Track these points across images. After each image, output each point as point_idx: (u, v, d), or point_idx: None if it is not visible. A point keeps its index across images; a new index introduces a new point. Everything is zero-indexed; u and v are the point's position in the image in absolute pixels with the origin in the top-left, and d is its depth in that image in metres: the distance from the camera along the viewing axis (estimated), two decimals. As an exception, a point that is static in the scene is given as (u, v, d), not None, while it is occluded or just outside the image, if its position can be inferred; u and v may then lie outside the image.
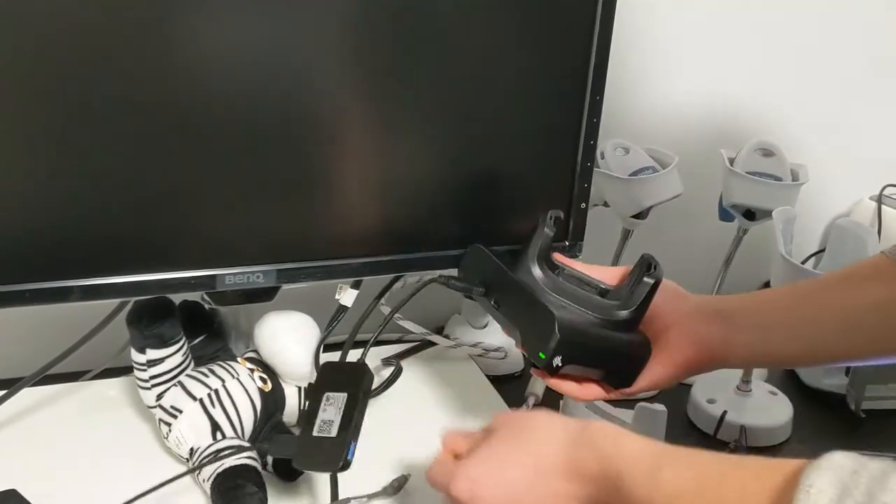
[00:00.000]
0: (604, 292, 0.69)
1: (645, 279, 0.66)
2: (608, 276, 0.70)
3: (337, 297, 0.76)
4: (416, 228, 0.75)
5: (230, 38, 0.65)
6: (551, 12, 0.72)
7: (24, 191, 0.63)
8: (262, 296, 0.73)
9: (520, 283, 0.68)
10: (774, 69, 1.13)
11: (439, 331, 0.98)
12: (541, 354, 0.63)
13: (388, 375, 0.82)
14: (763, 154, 0.97)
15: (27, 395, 0.79)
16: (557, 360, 0.63)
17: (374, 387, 0.75)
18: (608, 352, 0.66)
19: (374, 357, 0.87)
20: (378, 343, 0.78)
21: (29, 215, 0.64)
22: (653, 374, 0.67)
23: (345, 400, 0.66)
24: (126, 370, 0.82)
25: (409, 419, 0.81)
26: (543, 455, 0.54)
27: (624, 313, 0.67)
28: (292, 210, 0.71)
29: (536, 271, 0.68)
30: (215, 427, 0.73)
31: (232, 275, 0.70)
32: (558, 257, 0.71)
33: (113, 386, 0.85)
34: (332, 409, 0.66)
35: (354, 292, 0.76)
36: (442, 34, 0.70)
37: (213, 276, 0.69)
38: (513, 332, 0.68)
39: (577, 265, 0.70)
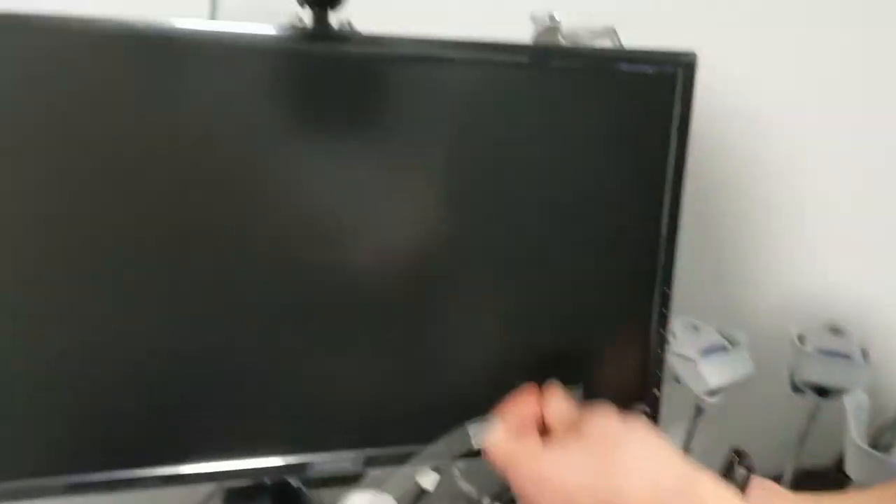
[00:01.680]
0: None
1: (739, 473, 0.65)
2: None
3: (418, 479, 0.79)
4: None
5: (330, 214, 0.70)
6: (620, 219, 0.77)
7: (120, 378, 0.68)
8: (349, 480, 0.76)
9: None
10: (844, 249, 1.15)
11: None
12: None
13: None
14: (832, 332, 0.98)
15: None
16: None
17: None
18: None
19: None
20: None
21: (130, 405, 0.69)
22: None
23: None
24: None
25: None
26: (629, 491, 0.48)
27: None
28: (379, 396, 0.74)
29: None
30: None
31: (321, 462, 0.73)
32: None
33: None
34: None
35: (436, 476, 0.79)
36: (521, 227, 0.75)
37: (304, 463, 0.72)
38: None
39: None
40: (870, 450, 0.84)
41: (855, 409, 0.86)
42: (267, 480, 0.78)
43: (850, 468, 0.88)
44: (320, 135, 0.69)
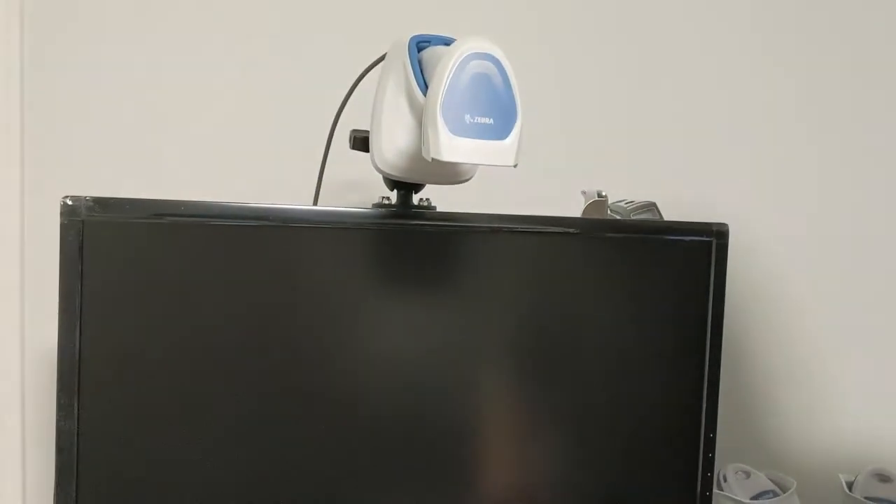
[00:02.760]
0: None
1: None
2: None
3: None
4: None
5: (410, 367, 0.82)
6: (665, 373, 0.87)
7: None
8: None
9: None
10: (890, 393, 1.21)
11: None
12: None
13: None
14: (880, 479, 1.03)
15: None
16: None
17: None
18: None
19: None
20: None
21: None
22: None
23: None
24: None
25: None
26: None
27: None
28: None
29: None
30: None
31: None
32: None
33: None
34: None
35: None
36: (579, 377, 0.85)
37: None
38: None
39: None
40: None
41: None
42: None
43: None
44: (404, 296, 0.82)
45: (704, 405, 0.87)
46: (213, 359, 0.78)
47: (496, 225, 0.83)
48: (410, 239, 0.82)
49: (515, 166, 0.64)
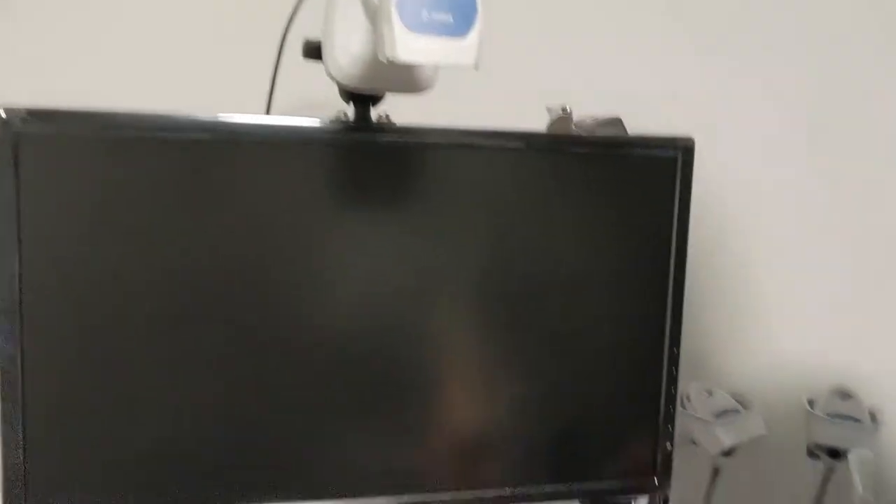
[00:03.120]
0: None
1: None
2: None
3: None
4: (517, 464, 0.85)
5: (366, 297, 0.79)
6: (628, 280, 0.85)
7: (179, 427, 0.77)
8: None
9: None
10: (856, 312, 1.22)
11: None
12: None
13: None
14: (841, 397, 1.04)
15: None
16: None
17: None
18: None
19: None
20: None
21: (181, 449, 0.77)
22: None
23: None
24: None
25: None
26: None
27: None
28: (412, 446, 0.82)
29: None
30: None
31: (359, 504, 0.81)
32: None
33: None
34: None
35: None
36: (542, 299, 0.83)
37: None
38: None
39: None
40: (873, 502, 0.89)
41: (859, 465, 0.91)
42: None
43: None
44: (360, 216, 0.79)
45: (669, 320, 0.86)
46: (162, 286, 0.75)
47: (458, 140, 0.81)
48: (368, 155, 0.79)
49: (476, 68, 0.61)
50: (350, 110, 0.81)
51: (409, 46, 0.58)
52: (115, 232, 0.73)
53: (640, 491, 0.88)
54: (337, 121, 0.80)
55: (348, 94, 0.79)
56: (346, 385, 0.80)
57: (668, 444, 0.87)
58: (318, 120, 0.78)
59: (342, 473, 0.81)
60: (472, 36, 0.60)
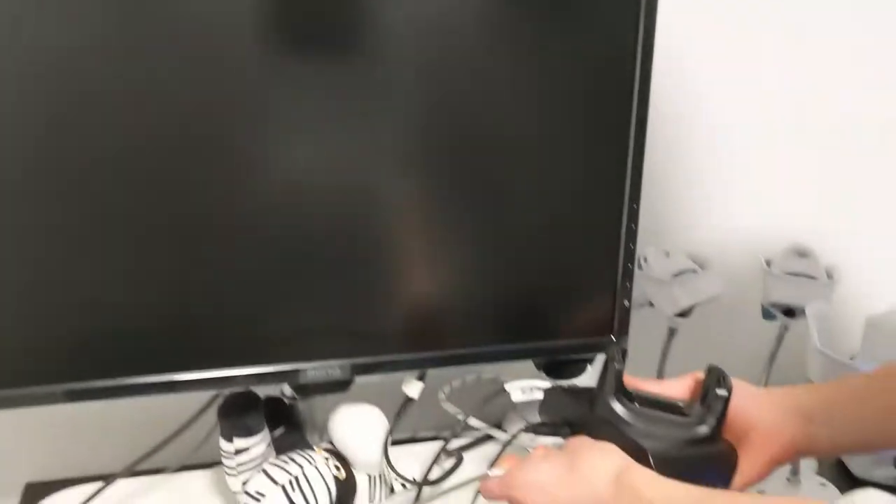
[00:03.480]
0: (681, 410, 0.72)
1: (718, 392, 0.70)
2: (677, 389, 0.75)
3: (404, 388, 0.84)
4: (472, 324, 0.83)
5: (308, 150, 0.75)
6: (587, 130, 0.81)
7: (119, 294, 0.73)
8: (340, 387, 0.82)
9: (605, 420, 0.70)
10: (806, 171, 1.20)
11: (497, 426, 1.04)
12: None
13: (449, 467, 0.89)
14: (798, 255, 1.03)
15: (123, 486, 0.88)
16: None
17: (435, 477, 0.85)
18: (699, 468, 0.68)
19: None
20: (436, 439, 0.89)
21: (122, 316, 0.74)
22: (743, 474, 0.70)
23: None
24: (205, 465, 0.91)
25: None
26: (592, 484, 0.61)
27: (704, 429, 0.70)
28: (365, 310, 0.80)
29: (617, 406, 0.70)
30: (295, 510, 0.80)
31: (313, 369, 0.79)
32: (629, 381, 0.74)
33: (199, 477, 0.93)
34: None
35: (420, 384, 0.84)
36: (494, 161, 0.80)
37: (297, 370, 0.78)
38: None
39: (647, 384, 0.75)
40: (830, 353, 0.89)
41: (817, 319, 0.91)
42: (261, 395, 0.84)
43: (812, 374, 0.93)
44: (298, 59, 0.74)
45: (629, 173, 0.83)
46: (87, 138, 0.69)
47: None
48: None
49: None
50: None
51: None
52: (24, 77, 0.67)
53: (597, 349, 0.87)
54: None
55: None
56: (295, 249, 0.77)
57: (625, 301, 0.86)
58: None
59: (292, 338, 0.78)
60: None
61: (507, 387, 0.86)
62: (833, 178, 1.21)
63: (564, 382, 0.97)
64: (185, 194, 0.72)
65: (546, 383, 0.86)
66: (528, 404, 1.06)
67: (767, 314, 1.07)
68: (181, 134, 0.71)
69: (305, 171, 0.75)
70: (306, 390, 0.81)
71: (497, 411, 1.08)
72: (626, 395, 0.71)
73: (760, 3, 1.11)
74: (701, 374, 0.74)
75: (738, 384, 0.72)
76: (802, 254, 1.04)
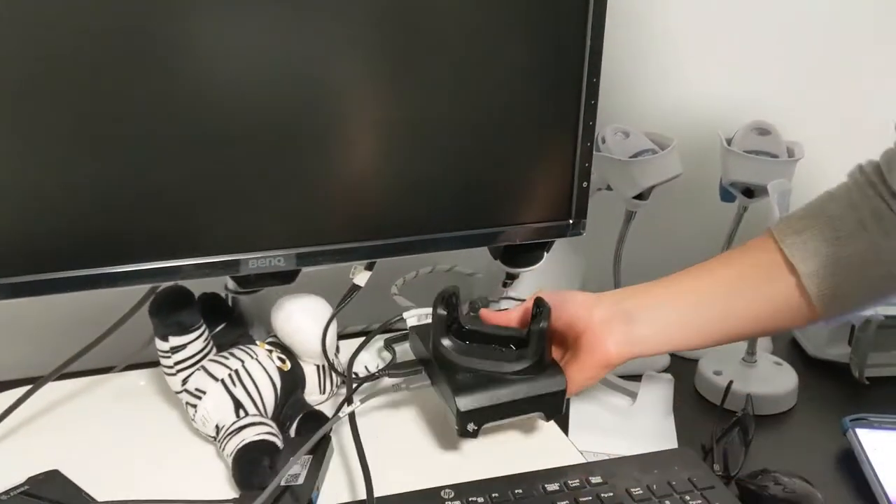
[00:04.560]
0: (515, 341, 0.77)
1: (538, 326, 0.74)
2: (519, 317, 0.79)
3: (351, 276, 0.80)
4: (423, 212, 0.79)
5: (247, 38, 0.68)
6: (545, 5, 0.75)
7: (53, 185, 0.67)
8: (285, 278, 0.77)
9: (437, 358, 0.75)
10: (768, 48, 1.16)
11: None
12: (455, 428, 0.71)
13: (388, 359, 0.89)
14: (759, 133, 0.99)
15: (61, 386, 0.84)
16: (472, 427, 0.71)
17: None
18: (522, 400, 0.73)
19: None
20: (386, 331, 0.87)
21: (55, 207, 0.67)
22: (574, 379, 0.74)
23: None
24: (150, 364, 0.87)
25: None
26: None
27: (526, 362, 0.74)
28: (309, 198, 0.74)
29: (446, 342, 0.75)
30: (238, 405, 0.76)
31: (255, 259, 0.74)
32: (484, 315, 0.80)
33: (142, 377, 0.89)
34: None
35: (367, 273, 0.80)
36: (444, 34, 0.73)
37: (237, 260, 0.73)
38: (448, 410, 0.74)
39: (495, 317, 0.80)
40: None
41: (778, 195, 0.88)
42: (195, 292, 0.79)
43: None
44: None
45: (588, 44, 0.77)
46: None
47: None
48: None
49: None
50: None
51: None
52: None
53: (555, 234, 0.83)
54: None
55: None
56: (234, 134, 0.70)
57: (584, 183, 0.81)
58: None
59: (233, 228, 0.73)
60: None
61: (406, 315, 0.85)
62: (795, 56, 1.17)
63: (514, 271, 0.95)
64: (117, 83, 0.65)
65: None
66: (487, 290, 1.03)
67: (726, 195, 1.04)
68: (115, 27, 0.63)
69: (243, 52, 0.68)
70: (250, 282, 0.76)
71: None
72: (459, 335, 0.77)
73: None
74: (530, 304, 0.77)
75: (571, 294, 0.76)
76: (763, 131, 1.00)
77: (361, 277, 0.80)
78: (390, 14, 0.71)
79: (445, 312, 0.76)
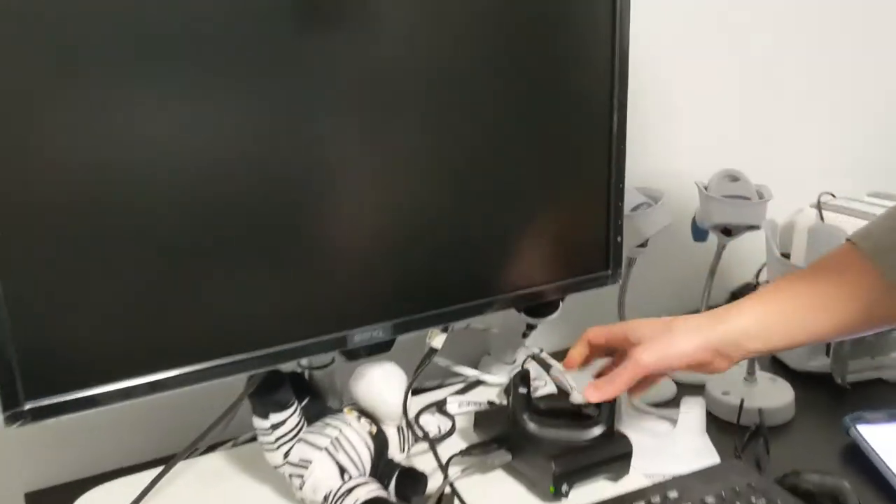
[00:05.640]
0: (582, 410, 0.89)
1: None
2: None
3: (428, 341, 0.88)
4: (481, 279, 0.89)
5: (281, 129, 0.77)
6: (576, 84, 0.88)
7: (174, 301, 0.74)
8: (384, 348, 0.85)
9: (522, 434, 0.87)
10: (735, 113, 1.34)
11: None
12: (551, 489, 0.83)
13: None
14: (731, 179, 1.14)
15: (149, 476, 0.88)
16: (565, 488, 0.83)
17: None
18: (600, 461, 0.86)
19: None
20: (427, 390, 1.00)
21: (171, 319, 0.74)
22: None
23: None
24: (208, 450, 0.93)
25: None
26: None
27: (598, 429, 0.87)
28: (399, 279, 0.84)
29: (526, 422, 0.87)
30: (342, 470, 0.83)
31: (359, 333, 0.82)
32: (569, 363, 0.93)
33: (213, 461, 0.94)
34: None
35: (443, 336, 0.89)
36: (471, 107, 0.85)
37: (344, 336, 0.81)
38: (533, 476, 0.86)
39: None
40: (787, 262, 1.01)
41: (773, 232, 1.03)
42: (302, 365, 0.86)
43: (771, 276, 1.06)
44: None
45: (615, 136, 0.90)
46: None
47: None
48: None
49: None
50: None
51: None
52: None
53: (599, 284, 0.95)
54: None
55: None
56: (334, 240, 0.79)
57: (619, 237, 0.93)
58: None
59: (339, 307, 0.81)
60: None
61: (449, 399, 0.99)
62: (760, 113, 1.36)
63: (538, 320, 1.05)
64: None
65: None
66: (504, 341, 1.13)
67: (698, 235, 1.18)
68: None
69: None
70: (357, 354, 0.84)
71: (473, 358, 1.15)
72: (535, 410, 0.88)
73: None
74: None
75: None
76: (734, 178, 1.15)
77: (438, 340, 0.88)
78: (430, 87, 0.81)
79: (525, 391, 0.88)
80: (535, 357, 1.06)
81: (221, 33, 0.69)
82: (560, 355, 1.10)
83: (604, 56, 0.89)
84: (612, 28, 0.88)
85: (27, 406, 0.69)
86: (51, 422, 0.70)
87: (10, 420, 0.68)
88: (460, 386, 1.09)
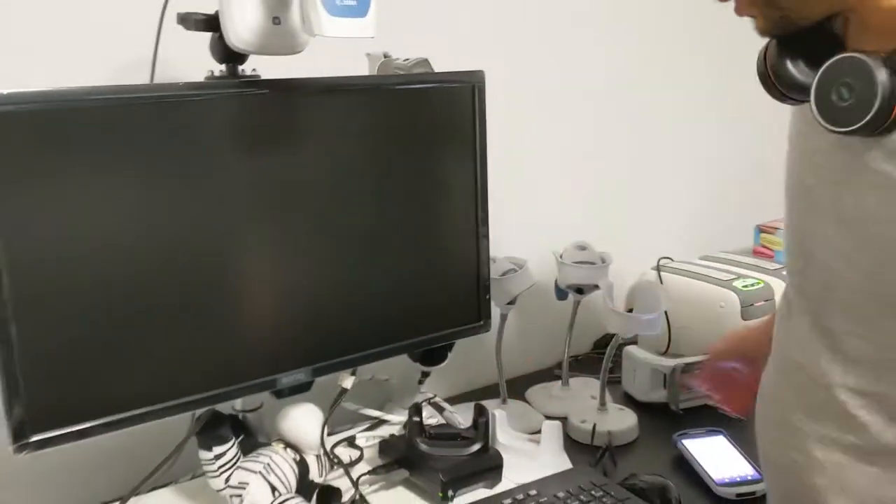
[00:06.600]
0: (462, 435, 1.15)
1: (479, 420, 1.14)
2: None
3: (339, 382, 1.11)
4: (382, 331, 1.13)
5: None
6: (448, 193, 1.14)
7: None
8: (304, 389, 1.08)
9: (416, 453, 1.11)
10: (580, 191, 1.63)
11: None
12: (440, 495, 1.06)
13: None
14: (579, 248, 1.43)
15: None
16: (451, 493, 1.07)
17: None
18: (478, 471, 1.11)
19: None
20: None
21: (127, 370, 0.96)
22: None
23: None
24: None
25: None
26: None
27: (476, 445, 1.12)
28: (322, 328, 1.07)
29: (419, 444, 1.12)
30: (273, 489, 1.04)
31: (286, 376, 1.04)
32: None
33: (162, 497, 1.13)
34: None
35: (353, 378, 1.12)
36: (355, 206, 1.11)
37: (274, 379, 1.03)
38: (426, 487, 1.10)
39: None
40: (624, 313, 1.29)
41: (608, 290, 1.30)
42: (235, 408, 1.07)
43: (611, 327, 1.32)
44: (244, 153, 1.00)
45: (478, 207, 1.16)
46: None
47: (323, 86, 1.03)
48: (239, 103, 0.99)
49: (373, 38, 0.84)
50: (216, 69, 1.00)
51: (331, 25, 0.80)
52: None
53: (472, 333, 1.20)
54: (213, 77, 0.99)
55: (223, 55, 0.98)
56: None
57: (487, 295, 1.19)
58: (204, 81, 0.96)
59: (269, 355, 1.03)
60: (371, 14, 0.83)
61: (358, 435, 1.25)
62: (604, 191, 1.66)
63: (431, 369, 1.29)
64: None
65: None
66: (403, 389, 1.36)
67: (560, 294, 1.45)
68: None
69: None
70: (283, 394, 1.06)
71: (380, 401, 1.37)
72: (427, 435, 1.13)
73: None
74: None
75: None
76: (582, 247, 1.43)
77: (348, 381, 1.11)
78: (332, 188, 1.07)
79: (419, 420, 1.12)
80: (430, 402, 1.29)
81: (165, 149, 0.93)
82: (451, 400, 1.36)
83: (468, 154, 1.15)
84: (474, 131, 1.15)
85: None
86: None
87: None
88: (368, 425, 1.31)
